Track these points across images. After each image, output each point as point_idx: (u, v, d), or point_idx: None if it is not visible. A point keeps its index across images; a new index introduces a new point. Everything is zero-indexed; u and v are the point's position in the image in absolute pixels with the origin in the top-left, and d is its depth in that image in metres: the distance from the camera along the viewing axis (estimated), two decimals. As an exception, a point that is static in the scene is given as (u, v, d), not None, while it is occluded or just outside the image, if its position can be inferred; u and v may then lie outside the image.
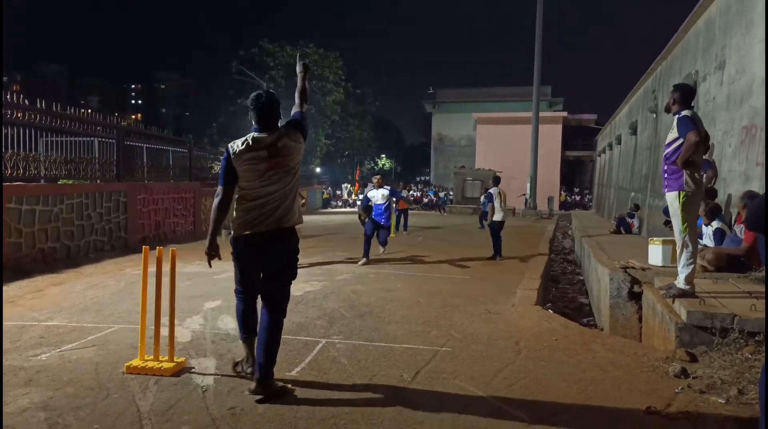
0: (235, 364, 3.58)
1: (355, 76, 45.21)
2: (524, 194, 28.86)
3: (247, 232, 3.26)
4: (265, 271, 3.31)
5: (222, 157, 3.37)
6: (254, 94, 3.32)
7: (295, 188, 3.38)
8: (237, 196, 3.33)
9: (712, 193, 7.04)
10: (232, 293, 6.25)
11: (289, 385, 3.35)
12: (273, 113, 3.33)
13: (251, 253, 3.31)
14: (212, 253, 3.28)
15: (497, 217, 9.67)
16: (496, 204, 9.71)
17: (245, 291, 3.45)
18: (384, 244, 9.25)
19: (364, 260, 8.64)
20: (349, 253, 9.80)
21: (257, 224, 3.24)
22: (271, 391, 3.18)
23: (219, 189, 3.30)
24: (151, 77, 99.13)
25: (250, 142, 3.25)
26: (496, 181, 10.39)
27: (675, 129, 4.57)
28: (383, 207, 8.95)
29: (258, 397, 3.14)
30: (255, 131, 3.32)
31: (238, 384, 3.41)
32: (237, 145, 3.28)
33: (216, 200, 3.29)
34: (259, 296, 3.39)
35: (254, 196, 3.25)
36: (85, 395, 3.22)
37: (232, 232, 3.32)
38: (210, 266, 3.36)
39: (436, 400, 3.23)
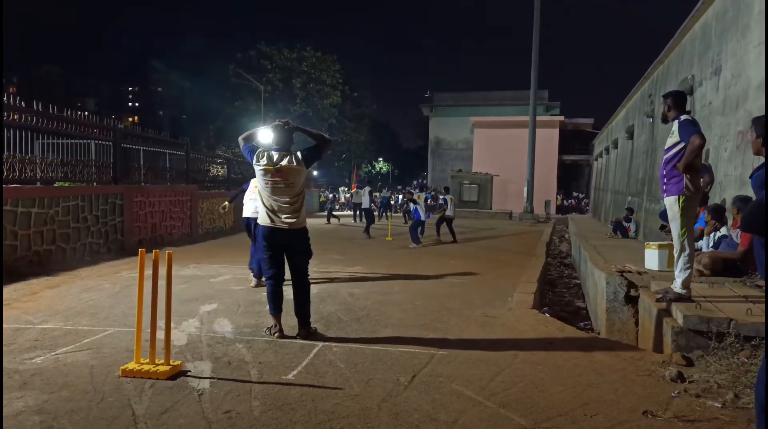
0: (267, 329, 4.60)
1: (352, 79, 45.29)
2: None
3: (266, 225, 4.37)
4: (290, 255, 4.50)
5: (245, 147, 4.56)
6: (275, 122, 4.54)
7: (301, 199, 4.41)
8: (257, 196, 4.52)
9: (704, 199, 7.04)
10: (227, 296, 6.28)
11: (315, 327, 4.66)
12: (285, 137, 4.44)
13: (274, 242, 4.39)
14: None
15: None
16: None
17: (275, 276, 4.46)
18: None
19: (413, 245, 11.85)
20: (346, 257, 9.80)
21: (272, 221, 4.33)
22: (309, 332, 4.51)
23: (242, 144, 4.58)
24: (148, 80, 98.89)
25: (265, 158, 4.35)
26: (446, 189, 14.92)
27: (675, 133, 4.55)
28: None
29: (303, 333, 4.46)
30: (273, 149, 4.42)
31: (234, 387, 3.41)
32: (260, 153, 4.38)
33: (240, 139, 4.63)
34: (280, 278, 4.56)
35: (266, 197, 4.35)
36: (80, 399, 3.20)
37: (259, 223, 4.46)
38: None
39: (433, 403, 3.22)
